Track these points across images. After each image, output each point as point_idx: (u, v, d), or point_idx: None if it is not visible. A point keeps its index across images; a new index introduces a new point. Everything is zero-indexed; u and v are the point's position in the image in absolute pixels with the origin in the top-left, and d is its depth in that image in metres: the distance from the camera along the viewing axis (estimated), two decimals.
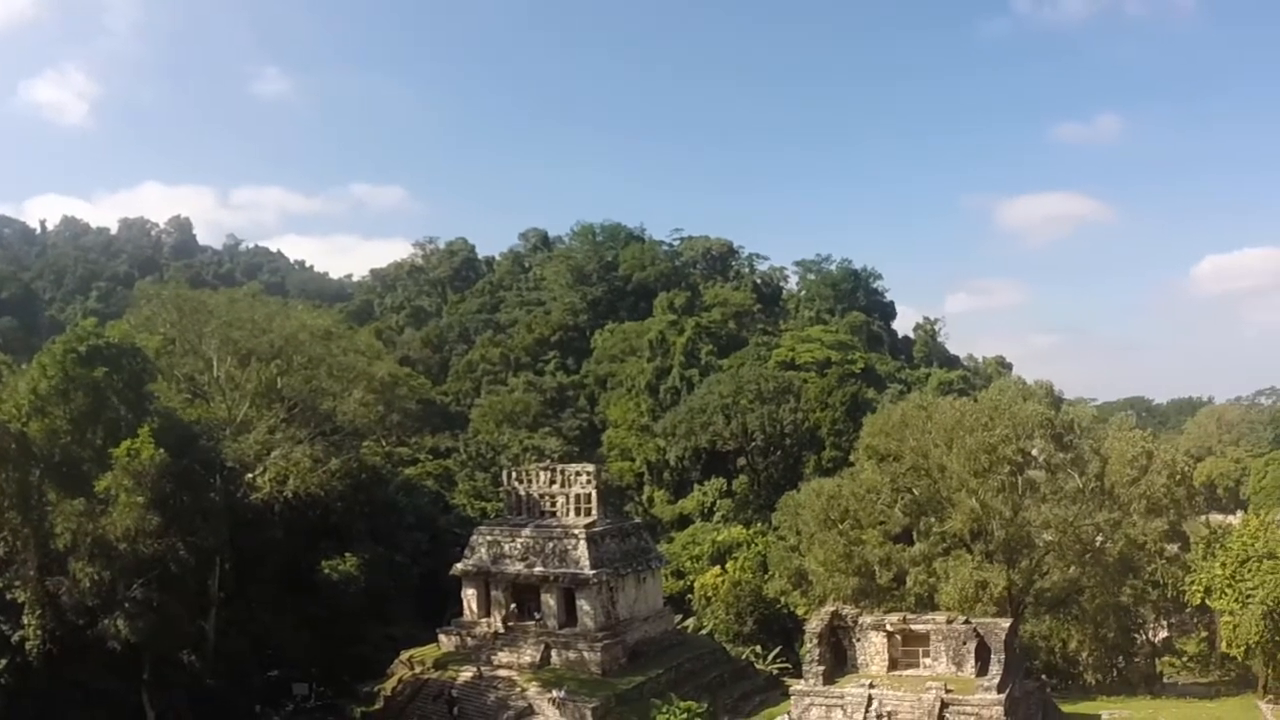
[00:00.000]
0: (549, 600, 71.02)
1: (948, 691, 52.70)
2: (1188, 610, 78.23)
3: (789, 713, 57.83)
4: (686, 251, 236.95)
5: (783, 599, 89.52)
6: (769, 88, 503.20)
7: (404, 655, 74.69)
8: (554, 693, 64.17)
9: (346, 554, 78.13)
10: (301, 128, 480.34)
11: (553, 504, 74.57)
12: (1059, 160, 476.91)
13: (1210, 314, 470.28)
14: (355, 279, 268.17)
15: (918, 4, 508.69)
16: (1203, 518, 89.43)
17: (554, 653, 69.73)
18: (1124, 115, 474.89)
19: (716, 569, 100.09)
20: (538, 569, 71.46)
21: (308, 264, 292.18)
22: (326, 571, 76.57)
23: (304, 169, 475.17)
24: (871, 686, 54.43)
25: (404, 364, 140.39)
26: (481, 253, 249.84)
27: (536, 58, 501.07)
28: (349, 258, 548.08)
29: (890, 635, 56.52)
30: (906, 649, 56.46)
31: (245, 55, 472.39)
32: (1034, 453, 69.85)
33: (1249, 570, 64.68)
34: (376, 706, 70.53)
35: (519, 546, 72.79)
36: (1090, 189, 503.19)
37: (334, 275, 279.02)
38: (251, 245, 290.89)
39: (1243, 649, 64.88)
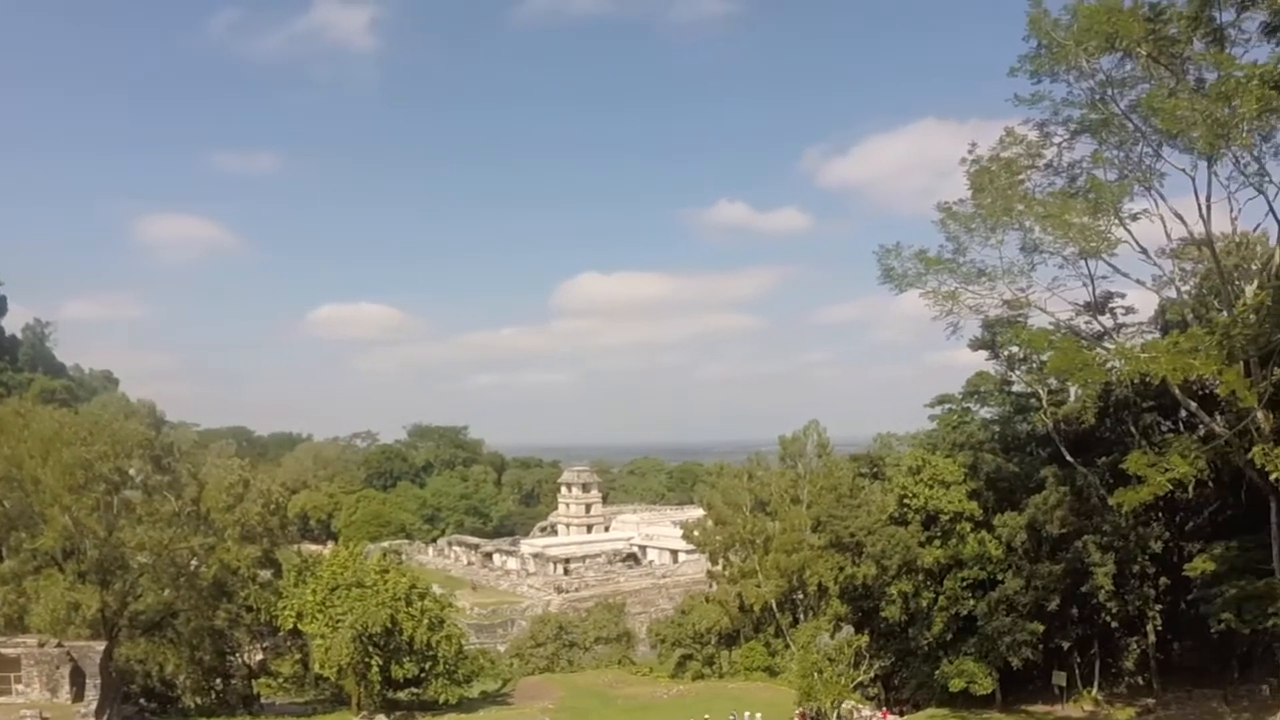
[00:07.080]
0: None
1: (43, 719, 52.23)
2: (281, 634, 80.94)
3: None
4: None
5: None
6: None
7: None
8: None
9: None
10: None
11: None
12: (206, 185, 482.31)
13: (321, 357, 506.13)
14: None
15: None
16: (295, 546, 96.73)
17: None
18: (285, 156, 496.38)
19: None
20: None
21: None
22: None
23: None
24: None
25: None
26: None
27: None
28: None
29: None
30: None
31: None
32: (132, 473, 69.68)
33: (339, 597, 71.84)
34: None
35: None
36: (229, 219, 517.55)
37: None
38: None
39: (335, 669, 71.05)
